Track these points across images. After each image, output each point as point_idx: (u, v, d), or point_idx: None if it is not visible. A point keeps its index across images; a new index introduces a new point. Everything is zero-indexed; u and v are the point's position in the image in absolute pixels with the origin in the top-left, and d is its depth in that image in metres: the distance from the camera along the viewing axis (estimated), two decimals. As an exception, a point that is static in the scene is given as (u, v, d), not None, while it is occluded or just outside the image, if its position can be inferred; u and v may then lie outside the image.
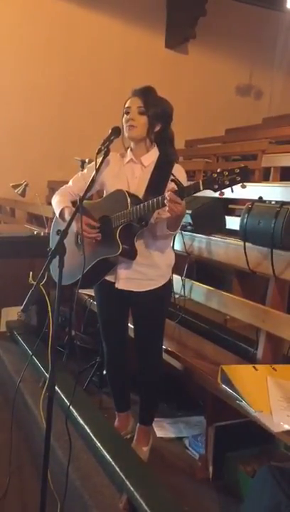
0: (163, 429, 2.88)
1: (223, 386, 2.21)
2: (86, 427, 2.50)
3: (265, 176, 4.44)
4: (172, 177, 2.04)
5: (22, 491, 2.42)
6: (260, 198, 2.69)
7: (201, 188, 1.99)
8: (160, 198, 2.09)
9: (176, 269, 2.68)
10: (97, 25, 7.00)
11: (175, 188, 2.02)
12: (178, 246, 3.20)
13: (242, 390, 2.09)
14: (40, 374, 3.05)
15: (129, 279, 2.39)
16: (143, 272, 2.38)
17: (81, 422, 2.54)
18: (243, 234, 2.66)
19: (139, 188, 2.32)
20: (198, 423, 2.90)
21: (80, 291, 3.14)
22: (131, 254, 2.30)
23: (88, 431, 2.47)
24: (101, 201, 2.45)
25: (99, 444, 2.35)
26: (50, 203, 2.51)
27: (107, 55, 7.06)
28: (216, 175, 1.96)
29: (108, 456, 2.25)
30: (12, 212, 6.80)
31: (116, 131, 2.29)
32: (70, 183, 2.50)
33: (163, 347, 2.69)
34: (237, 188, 1.95)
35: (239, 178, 1.94)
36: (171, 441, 2.80)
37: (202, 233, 3.13)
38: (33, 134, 6.71)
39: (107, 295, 2.50)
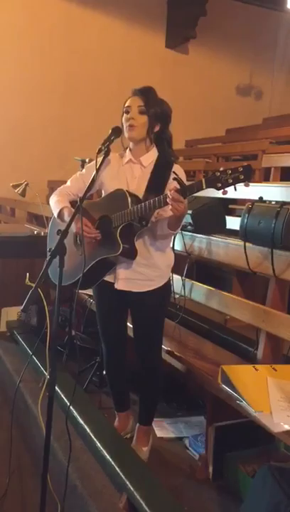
0: (163, 429, 2.88)
1: (223, 386, 2.21)
2: (86, 426, 2.50)
3: (265, 176, 4.44)
4: (174, 175, 2.04)
5: (22, 491, 2.42)
6: (260, 198, 2.69)
7: (204, 186, 1.99)
8: (161, 196, 2.09)
9: (176, 269, 2.68)
10: (98, 25, 7.01)
11: (178, 186, 2.01)
12: (178, 246, 3.20)
13: (242, 390, 2.09)
14: (40, 374, 3.05)
15: (128, 279, 2.39)
16: (142, 273, 2.38)
17: (81, 421, 2.54)
18: (243, 234, 2.66)
19: (139, 189, 2.31)
20: (198, 423, 2.90)
21: (80, 291, 3.15)
22: (131, 254, 2.30)
23: (88, 431, 2.47)
24: (100, 201, 2.45)
25: (99, 444, 2.35)
26: (49, 203, 2.50)
27: (108, 55, 7.07)
28: (219, 173, 1.95)
29: (108, 456, 2.25)
30: (12, 212, 6.80)
31: (117, 131, 2.29)
32: (68, 183, 2.50)
33: (163, 347, 2.69)
34: (239, 186, 1.95)
35: (243, 177, 1.93)
36: (171, 441, 2.80)
37: (203, 233, 3.13)
38: (33, 134, 6.71)
39: (106, 295, 2.50)
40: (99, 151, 2.26)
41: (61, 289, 1.97)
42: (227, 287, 3.35)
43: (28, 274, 2.88)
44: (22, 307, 1.90)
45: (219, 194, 2.02)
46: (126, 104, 2.32)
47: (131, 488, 2.02)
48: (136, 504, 1.98)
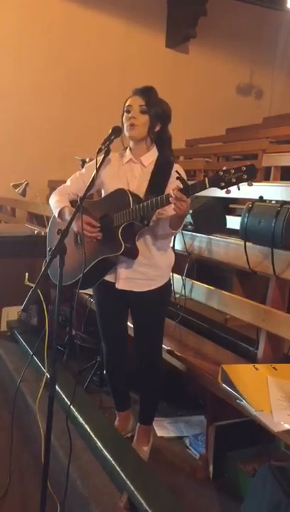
0: (163, 429, 2.88)
1: (223, 385, 2.20)
2: (86, 426, 2.50)
3: (265, 176, 4.44)
4: (177, 175, 2.04)
5: (22, 491, 2.42)
6: (260, 197, 2.69)
7: (207, 185, 1.98)
8: (164, 196, 2.09)
9: (177, 269, 2.68)
10: (98, 25, 7.01)
11: (180, 185, 2.01)
12: (178, 245, 3.20)
13: (243, 389, 2.09)
14: (41, 373, 3.05)
15: (129, 279, 2.39)
16: (143, 272, 2.38)
17: (81, 421, 2.54)
18: (243, 233, 2.66)
19: (139, 188, 2.31)
20: (199, 422, 2.90)
21: (80, 290, 3.15)
22: (132, 253, 2.30)
23: (88, 430, 2.47)
24: (101, 200, 2.45)
25: (99, 444, 2.35)
26: (49, 202, 2.50)
27: (108, 55, 7.07)
28: (222, 173, 1.95)
29: (108, 456, 2.26)
30: (12, 212, 6.81)
31: (117, 131, 2.29)
32: (68, 182, 2.50)
33: (164, 346, 2.69)
34: (242, 186, 1.95)
35: (246, 176, 1.93)
36: (172, 441, 2.80)
37: (203, 233, 3.13)
38: (33, 134, 6.71)
39: (107, 295, 2.50)
40: (99, 150, 2.26)
41: (61, 289, 1.96)
42: (228, 287, 3.35)
43: (27, 274, 2.88)
44: (22, 307, 1.90)
45: (219, 193, 2.02)
46: (127, 104, 2.32)
47: (132, 488, 2.03)
48: (136, 504, 1.98)
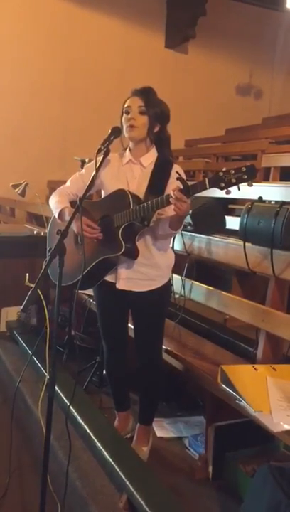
0: (162, 429, 2.88)
1: (223, 386, 2.21)
2: (86, 426, 2.50)
3: (265, 176, 4.44)
4: (177, 175, 2.04)
5: (22, 491, 2.42)
6: (260, 197, 2.69)
7: (207, 186, 1.99)
8: (164, 196, 2.09)
9: (176, 269, 2.68)
10: (97, 25, 7.01)
11: (181, 186, 2.01)
12: (178, 246, 3.20)
13: (242, 389, 2.09)
14: (40, 374, 3.05)
15: (129, 279, 2.39)
16: (143, 272, 2.38)
17: (81, 421, 2.54)
18: (243, 234, 2.66)
19: (139, 189, 2.31)
20: (198, 423, 2.90)
21: (80, 291, 3.15)
22: (133, 254, 2.30)
23: (88, 431, 2.47)
24: (101, 201, 2.45)
25: (98, 444, 2.35)
26: (49, 203, 2.50)
27: (107, 55, 7.07)
28: (222, 173, 1.95)
29: (108, 456, 2.25)
30: (12, 212, 6.80)
31: (116, 131, 2.30)
32: (68, 183, 2.50)
33: (163, 347, 2.69)
34: (242, 186, 1.95)
35: (246, 177, 1.93)
36: (171, 441, 2.80)
37: (202, 233, 3.14)
38: (33, 134, 6.71)
39: (107, 295, 2.50)
40: (99, 151, 2.26)
41: (61, 289, 1.97)
42: (227, 287, 3.35)
43: (27, 274, 2.88)
44: (22, 307, 1.90)
45: (219, 194, 2.03)
46: (126, 105, 2.32)
47: (131, 488, 2.02)
48: (135, 504, 1.98)
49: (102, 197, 2.47)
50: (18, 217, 6.56)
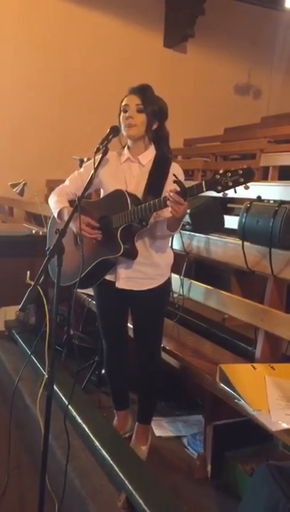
0: (161, 428, 2.88)
1: (221, 385, 2.20)
2: (84, 426, 2.50)
3: (264, 175, 4.45)
4: (174, 178, 2.04)
5: (20, 490, 2.42)
6: (259, 197, 2.69)
7: (204, 189, 1.99)
8: (161, 198, 2.09)
9: (175, 268, 2.68)
10: (96, 25, 7.00)
11: (178, 188, 2.01)
12: (176, 245, 3.20)
13: (241, 389, 2.09)
14: (39, 373, 3.05)
15: (129, 278, 2.39)
16: (143, 271, 2.38)
17: (79, 421, 2.54)
18: (241, 233, 2.66)
19: (138, 188, 2.31)
20: (197, 422, 2.90)
21: (79, 290, 3.14)
22: (131, 254, 2.30)
23: (86, 430, 2.47)
24: (100, 201, 2.45)
25: (97, 443, 2.36)
26: (48, 202, 2.50)
27: (106, 54, 7.06)
28: (219, 176, 1.95)
29: (106, 455, 2.26)
30: (10, 212, 6.80)
31: (115, 130, 2.30)
32: (67, 182, 2.49)
33: (162, 346, 2.69)
34: (239, 188, 1.95)
35: (243, 180, 1.93)
36: (170, 440, 2.80)
37: (201, 232, 3.13)
38: (31, 133, 6.70)
39: (107, 294, 2.50)
40: (97, 150, 2.26)
41: (60, 288, 1.96)
42: (226, 286, 3.35)
43: (28, 272, 2.88)
44: (20, 306, 1.90)
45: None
46: (124, 103, 2.31)
47: (130, 487, 2.03)
48: (134, 503, 1.98)
49: (101, 196, 2.47)
50: (16, 217, 6.56)
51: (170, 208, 2.04)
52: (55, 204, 2.41)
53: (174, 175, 2.10)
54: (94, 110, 6.58)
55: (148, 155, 2.37)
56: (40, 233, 4.17)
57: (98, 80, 6.96)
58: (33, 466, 2.53)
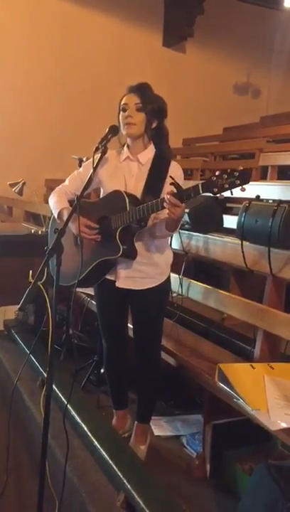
0: (160, 428, 2.88)
1: (220, 384, 2.21)
2: (83, 425, 2.50)
3: (262, 175, 4.45)
4: (171, 180, 2.04)
5: (19, 490, 2.42)
6: (257, 196, 2.69)
7: (201, 191, 1.99)
8: (159, 200, 2.10)
9: (174, 268, 2.68)
10: (95, 24, 7.00)
11: (175, 190, 2.01)
12: (175, 244, 3.20)
13: (240, 388, 2.10)
14: (38, 373, 3.05)
15: (129, 277, 2.40)
16: (143, 271, 2.38)
17: (78, 420, 2.54)
18: (240, 232, 2.66)
19: (137, 187, 2.32)
20: (196, 421, 2.90)
21: (78, 289, 3.15)
22: (131, 255, 2.31)
23: (86, 429, 2.47)
24: (99, 201, 2.45)
25: (96, 443, 2.35)
26: (47, 202, 2.50)
27: (105, 54, 7.06)
28: (215, 178, 1.95)
29: (106, 455, 2.25)
30: (9, 211, 6.80)
31: (114, 130, 2.30)
32: (67, 182, 2.50)
33: (161, 345, 2.69)
34: (235, 190, 1.95)
35: (239, 182, 1.93)
36: (169, 440, 2.80)
37: (200, 232, 3.14)
38: (30, 133, 6.70)
39: (107, 293, 2.51)
40: (96, 149, 2.26)
41: (58, 288, 1.96)
42: (225, 286, 3.34)
43: (30, 271, 2.87)
44: (19, 306, 1.90)
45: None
46: (123, 102, 2.31)
47: (129, 487, 2.03)
48: (133, 503, 1.98)
49: (101, 195, 2.47)
50: (15, 216, 6.56)
51: (167, 210, 2.04)
52: (54, 204, 2.41)
53: (171, 177, 2.10)
54: (93, 109, 6.58)
55: (148, 154, 2.37)
56: (40, 233, 4.17)
57: (97, 79, 6.96)
58: (32, 465, 2.53)
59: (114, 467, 2.16)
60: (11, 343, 3.73)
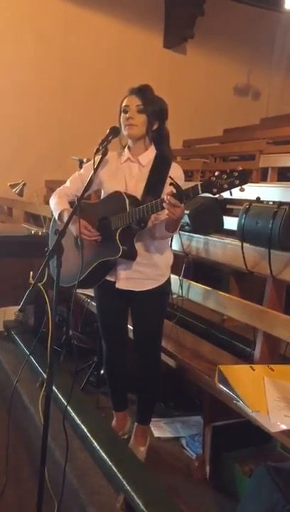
0: (160, 429, 2.88)
1: (220, 386, 2.21)
2: (83, 426, 2.50)
3: (263, 176, 4.45)
4: (171, 181, 2.04)
5: (19, 491, 2.42)
6: (258, 198, 2.69)
7: (200, 192, 1.99)
8: (159, 201, 2.10)
9: (174, 269, 2.68)
10: (96, 25, 7.00)
11: (174, 191, 2.01)
12: (175, 246, 3.20)
13: (239, 390, 2.09)
14: (38, 374, 3.05)
15: (129, 278, 2.40)
16: (143, 272, 2.38)
17: (78, 421, 2.54)
18: (241, 234, 2.66)
19: (137, 188, 2.32)
20: (195, 423, 2.90)
21: (78, 290, 3.15)
22: (131, 256, 2.31)
23: (85, 431, 2.47)
24: (99, 203, 2.45)
25: (96, 444, 2.35)
26: (47, 203, 2.50)
27: (105, 55, 7.07)
28: (214, 178, 1.95)
29: (105, 456, 2.25)
30: (10, 212, 6.79)
31: (115, 131, 2.30)
32: (67, 183, 2.50)
33: (161, 346, 2.69)
34: (235, 190, 1.95)
35: (238, 182, 1.93)
36: (168, 441, 2.80)
37: (200, 233, 3.14)
38: (30, 134, 6.70)
39: (107, 294, 2.51)
40: (97, 151, 2.26)
41: (58, 289, 1.96)
42: (225, 287, 3.34)
43: (31, 272, 2.88)
44: (19, 307, 1.90)
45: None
46: (124, 104, 2.31)
47: (128, 489, 2.03)
48: (133, 504, 1.98)
49: (101, 197, 2.47)
50: (15, 217, 6.55)
51: (166, 211, 2.05)
52: (55, 206, 2.41)
53: (170, 177, 2.10)
54: (94, 111, 6.59)
55: (149, 155, 2.37)
56: (40, 233, 4.17)
57: (98, 80, 6.96)
58: (32, 466, 2.53)
59: (114, 468, 2.16)
60: (11, 344, 3.73)
